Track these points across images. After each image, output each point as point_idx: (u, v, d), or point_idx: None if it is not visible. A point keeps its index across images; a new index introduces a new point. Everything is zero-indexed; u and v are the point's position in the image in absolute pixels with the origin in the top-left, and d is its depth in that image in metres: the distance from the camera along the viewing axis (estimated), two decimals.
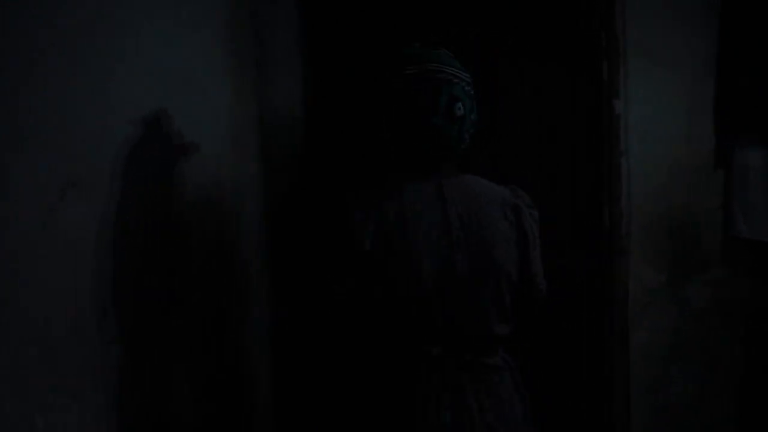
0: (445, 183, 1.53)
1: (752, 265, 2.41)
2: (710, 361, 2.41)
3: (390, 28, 2.28)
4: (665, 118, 2.35)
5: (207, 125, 1.84)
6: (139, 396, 1.50)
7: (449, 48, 1.61)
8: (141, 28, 1.52)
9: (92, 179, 1.34)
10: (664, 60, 2.33)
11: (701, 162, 2.39)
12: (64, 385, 1.25)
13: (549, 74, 2.31)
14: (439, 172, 1.55)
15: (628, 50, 2.29)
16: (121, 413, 1.43)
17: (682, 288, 2.39)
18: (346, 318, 1.62)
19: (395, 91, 1.52)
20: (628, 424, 2.35)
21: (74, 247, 1.29)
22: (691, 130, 2.37)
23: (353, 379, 1.76)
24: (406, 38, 2.21)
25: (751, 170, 2.36)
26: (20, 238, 1.14)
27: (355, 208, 1.49)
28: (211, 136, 1.85)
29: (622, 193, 2.31)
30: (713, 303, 2.40)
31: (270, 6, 2.23)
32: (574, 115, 2.33)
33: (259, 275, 2.17)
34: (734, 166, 2.38)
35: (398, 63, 1.53)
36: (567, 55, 2.30)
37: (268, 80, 2.22)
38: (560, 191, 2.33)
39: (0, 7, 1.10)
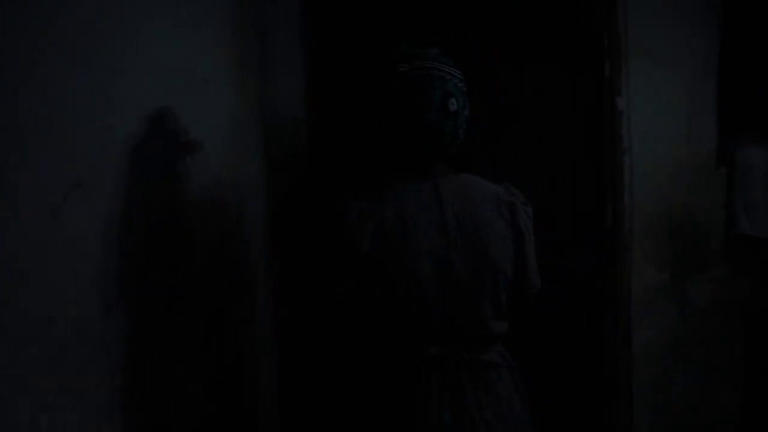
0: (441, 183, 1.54)
1: (753, 264, 2.41)
2: (711, 361, 2.41)
3: (390, 27, 2.29)
4: (666, 117, 2.35)
5: (208, 125, 1.84)
6: (142, 396, 1.50)
7: (450, 48, 1.63)
8: (141, 28, 1.52)
9: (94, 179, 1.34)
10: (665, 60, 2.33)
11: (702, 162, 2.39)
12: (68, 384, 1.25)
13: (549, 74, 2.31)
14: (436, 172, 1.56)
15: (629, 50, 2.29)
16: (123, 413, 1.43)
17: (683, 287, 2.39)
18: (346, 318, 1.62)
19: (389, 89, 1.54)
20: (630, 424, 2.35)
21: (77, 248, 1.29)
22: (692, 129, 2.38)
23: (354, 379, 1.77)
24: (406, 38, 2.22)
25: (754, 168, 2.37)
26: (22, 239, 1.14)
27: (351, 210, 1.50)
28: (212, 136, 1.85)
29: (624, 191, 2.31)
30: (714, 302, 2.40)
31: (271, 5, 2.23)
32: (575, 115, 2.33)
33: (263, 275, 2.17)
34: (737, 164, 2.38)
35: (391, 62, 1.55)
36: (567, 55, 2.31)
37: (269, 80, 2.23)
38: (560, 191, 2.33)
39: (0, 7, 1.10)
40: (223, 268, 1.95)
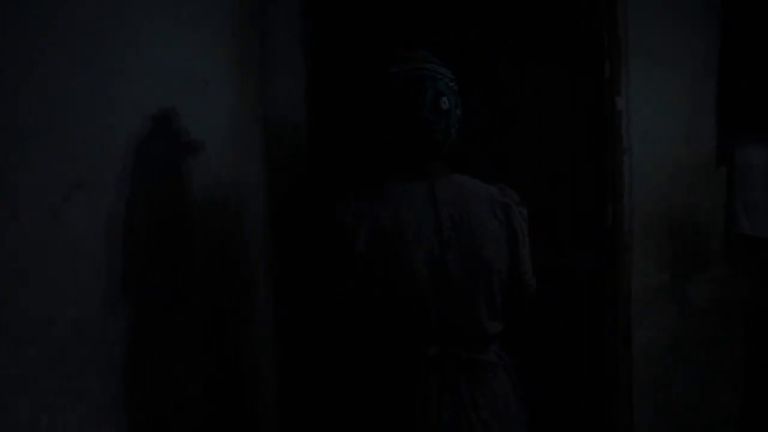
0: (436, 184, 1.56)
1: (753, 264, 2.41)
2: (711, 361, 2.41)
3: (390, 27, 2.29)
4: (666, 117, 2.35)
5: (208, 125, 1.84)
6: (142, 396, 1.50)
7: (450, 48, 1.64)
8: (141, 28, 1.52)
9: (94, 180, 1.34)
10: (665, 60, 2.33)
11: (702, 161, 2.39)
12: (68, 384, 1.25)
13: (549, 74, 2.31)
14: (431, 173, 1.57)
15: (629, 50, 2.29)
16: (123, 413, 1.43)
17: (683, 287, 2.39)
18: (345, 317, 1.62)
19: (382, 90, 1.56)
20: (630, 424, 2.35)
21: (77, 248, 1.29)
22: (692, 129, 2.38)
23: (353, 379, 1.77)
24: (406, 38, 2.23)
25: (754, 168, 2.37)
26: (22, 239, 1.14)
27: (347, 211, 1.51)
28: (212, 136, 1.85)
29: (624, 191, 2.31)
30: (714, 302, 2.40)
31: (271, 5, 2.23)
32: (575, 115, 2.33)
33: (263, 275, 2.17)
34: (737, 163, 2.38)
35: (383, 64, 1.58)
36: (567, 55, 2.31)
37: (269, 80, 2.22)
38: (560, 191, 2.33)
39: (0, 7, 1.10)
40: (223, 268, 1.95)
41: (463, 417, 1.50)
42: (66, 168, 1.26)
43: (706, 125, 2.39)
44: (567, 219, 2.33)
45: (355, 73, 2.25)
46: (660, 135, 2.34)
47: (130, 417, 1.46)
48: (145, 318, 1.51)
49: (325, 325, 2.16)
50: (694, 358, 2.39)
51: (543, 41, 2.31)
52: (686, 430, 2.41)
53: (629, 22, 2.29)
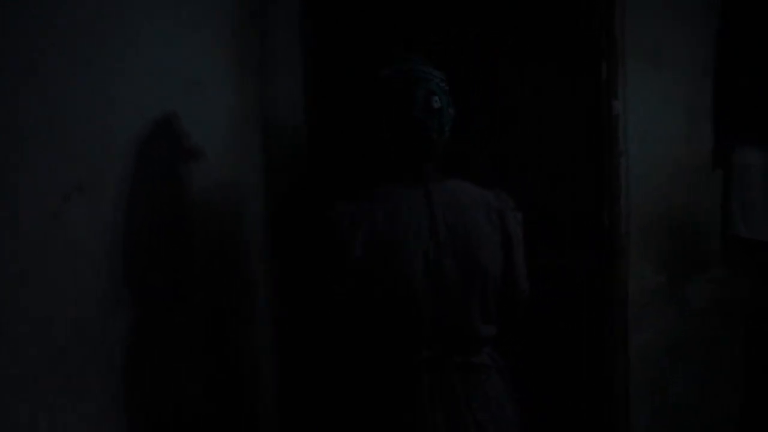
0: (432, 188, 1.57)
1: (752, 265, 2.41)
2: (710, 362, 2.41)
3: (390, 27, 2.29)
4: (664, 118, 2.35)
5: (208, 125, 1.84)
6: (142, 396, 1.50)
7: (450, 48, 1.64)
8: (141, 28, 1.52)
9: (94, 180, 1.34)
10: (664, 61, 2.33)
11: (701, 162, 2.39)
12: (68, 384, 1.25)
13: (549, 74, 2.31)
14: (427, 176, 1.58)
15: (628, 51, 2.29)
16: (123, 413, 1.43)
17: (682, 288, 2.39)
18: (345, 318, 1.63)
19: (375, 92, 1.59)
20: (627, 424, 2.35)
21: (77, 248, 1.29)
22: (691, 130, 2.38)
23: (351, 380, 1.77)
24: (406, 38, 2.23)
25: (751, 170, 2.36)
26: (22, 239, 1.14)
27: (343, 215, 1.53)
28: (212, 136, 1.85)
29: (621, 193, 2.31)
30: (713, 303, 2.40)
31: (271, 5, 2.23)
32: (575, 115, 2.33)
33: (263, 275, 2.17)
34: (733, 165, 2.38)
35: (375, 67, 1.61)
36: (567, 56, 2.31)
37: (269, 80, 2.22)
38: (560, 191, 2.33)
39: (0, 7, 1.10)
40: (223, 269, 1.95)
41: (459, 418, 1.52)
42: (66, 168, 1.26)
43: (705, 126, 2.39)
44: (567, 219, 2.33)
45: (355, 73, 2.25)
46: (659, 135, 2.34)
47: (130, 417, 1.46)
48: (145, 318, 1.51)
49: (325, 325, 2.16)
50: (693, 359, 2.39)
51: (543, 41, 2.30)
52: (685, 430, 2.41)
53: (627, 23, 2.28)
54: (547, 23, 2.30)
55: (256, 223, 2.15)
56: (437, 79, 1.58)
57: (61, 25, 1.25)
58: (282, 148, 2.26)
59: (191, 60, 1.76)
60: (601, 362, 2.35)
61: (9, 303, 1.11)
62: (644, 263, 2.35)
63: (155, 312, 1.57)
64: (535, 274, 1.71)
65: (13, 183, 1.12)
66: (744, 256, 2.41)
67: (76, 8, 1.29)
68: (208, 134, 1.83)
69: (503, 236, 1.59)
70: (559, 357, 2.34)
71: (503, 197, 1.63)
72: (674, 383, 2.38)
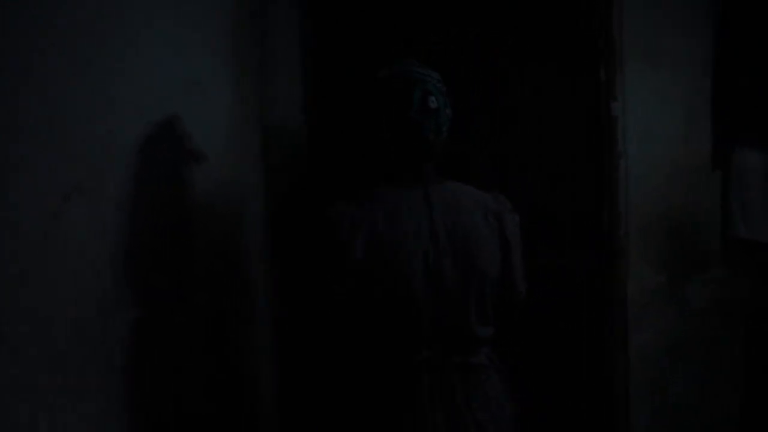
0: (431, 190, 1.58)
1: (752, 265, 2.41)
2: (710, 362, 2.41)
3: (390, 27, 2.29)
4: (664, 119, 2.35)
5: (208, 125, 1.84)
6: (142, 396, 1.50)
7: (450, 48, 1.64)
8: (141, 28, 1.52)
9: (94, 180, 1.34)
10: (663, 61, 2.33)
11: (700, 163, 2.39)
12: (68, 384, 1.25)
13: (549, 74, 2.31)
14: (426, 178, 1.59)
15: (627, 52, 2.29)
16: (123, 413, 1.43)
17: (682, 288, 2.39)
18: (344, 318, 1.63)
19: (372, 94, 1.59)
20: (627, 424, 2.35)
21: (77, 248, 1.28)
22: (690, 131, 2.38)
23: (351, 381, 1.77)
24: (406, 38, 2.22)
25: (750, 171, 2.36)
26: (22, 239, 1.14)
27: (343, 216, 1.53)
28: (212, 136, 1.85)
29: (620, 193, 2.31)
30: (713, 303, 2.40)
31: (271, 5, 2.23)
32: (575, 116, 2.33)
33: (263, 275, 2.17)
34: (732, 166, 2.38)
35: (374, 69, 1.62)
36: (567, 56, 2.31)
37: (269, 80, 2.22)
38: (560, 191, 2.33)
39: (0, 7, 1.10)
40: (224, 269, 1.95)
41: (458, 418, 1.52)
42: (66, 168, 1.25)
43: (704, 126, 2.39)
44: (567, 219, 2.33)
45: (355, 73, 2.25)
46: (658, 136, 2.34)
47: (130, 417, 1.46)
48: (145, 318, 1.51)
49: (324, 326, 2.16)
50: (693, 359, 2.39)
51: (543, 41, 2.31)
52: (685, 430, 2.41)
53: (626, 23, 2.28)
54: (547, 24, 2.30)
55: (256, 223, 2.15)
56: (434, 80, 1.59)
57: (61, 25, 1.25)
58: (282, 148, 2.26)
59: (191, 60, 1.76)
60: (601, 362, 2.35)
61: (9, 303, 1.11)
62: (644, 263, 2.35)
63: (155, 312, 1.57)
64: (535, 274, 1.72)
65: (13, 183, 1.12)
66: (744, 256, 2.41)
67: (76, 8, 1.29)
68: (208, 134, 1.83)
69: (501, 239, 1.60)
70: (560, 357, 2.34)
71: (501, 200, 1.64)
72: (674, 383, 2.39)
